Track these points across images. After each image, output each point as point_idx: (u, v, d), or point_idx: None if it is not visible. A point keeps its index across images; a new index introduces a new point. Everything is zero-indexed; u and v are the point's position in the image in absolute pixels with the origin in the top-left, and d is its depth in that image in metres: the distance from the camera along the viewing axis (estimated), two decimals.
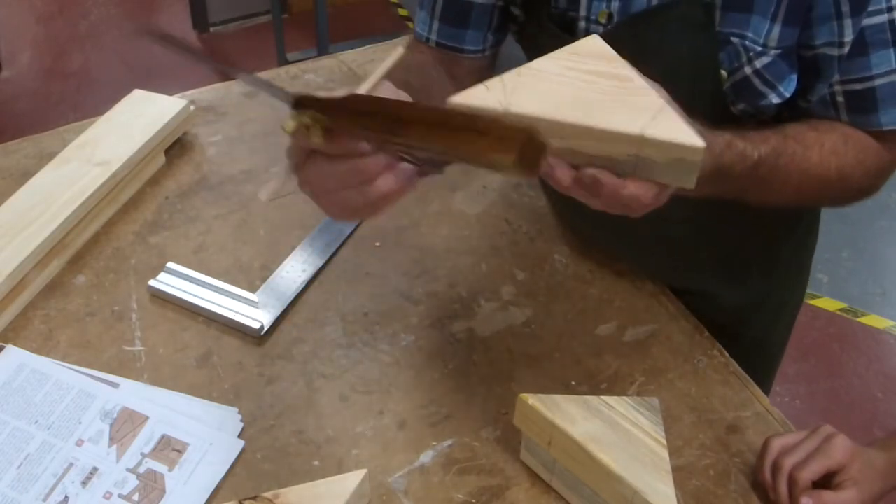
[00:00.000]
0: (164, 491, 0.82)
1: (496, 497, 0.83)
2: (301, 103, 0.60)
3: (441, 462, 0.85)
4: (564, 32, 0.89)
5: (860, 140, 0.85)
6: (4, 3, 3.35)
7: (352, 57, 1.39)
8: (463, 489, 0.83)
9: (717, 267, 1.05)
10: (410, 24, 3.39)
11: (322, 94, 0.61)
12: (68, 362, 0.92)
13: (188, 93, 1.28)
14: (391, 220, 1.11)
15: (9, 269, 0.94)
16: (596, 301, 1.01)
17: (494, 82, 0.69)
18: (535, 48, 0.96)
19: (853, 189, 0.87)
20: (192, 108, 1.19)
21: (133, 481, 0.82)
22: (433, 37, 0.96)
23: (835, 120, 0.85)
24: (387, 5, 3.51)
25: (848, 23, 0.78)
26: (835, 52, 0.80)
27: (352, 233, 1.09)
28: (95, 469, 0.83)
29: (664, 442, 0.78)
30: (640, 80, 0.69)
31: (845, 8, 0.78)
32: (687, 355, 0.96)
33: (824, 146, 0.83)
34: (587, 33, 0.86)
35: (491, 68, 1.01)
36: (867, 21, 0.79)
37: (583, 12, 0.87)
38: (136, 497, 0.81)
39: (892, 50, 0.80)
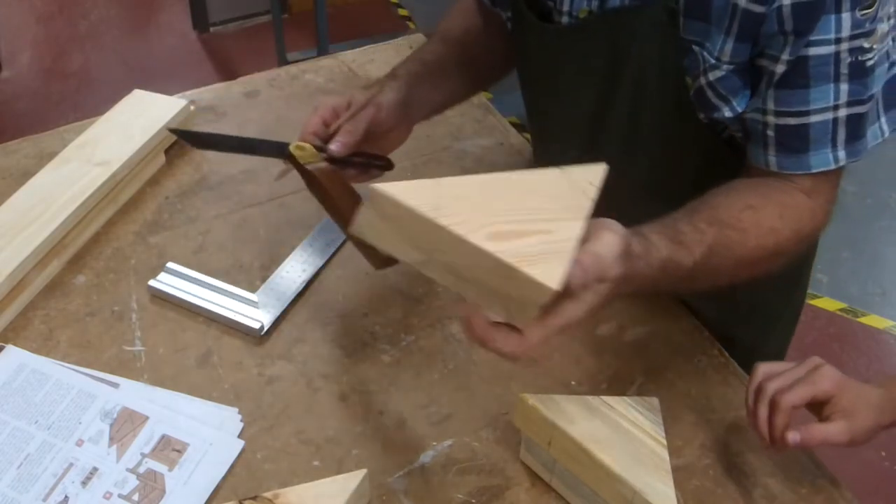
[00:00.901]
0: (164, 491, 0.82)
1: (496, 497, 0.83)
2: (289, 160, 0.89)
3: (441, 462, 0.85)
4: (543, 21, 0.91)
5: (795, 209, 0.83)
6: (4, 3, 3.34)
7: (352, 57, 1.39)
8: (463, 489, 0.83)
9: None
10: (411, 25, 3.39)
11: (305, 154, 0.87)
12: (68, 362, 0.92)
13: (188, 93, 1.28)
14: None
15: (9, 269, 0.94)
16: None
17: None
18: (518, 36, 0.97)
19: (787, 256, 0.85)
20: (192, 108, 1.19)
21: (133, 481, 0.82)
22: None
23: (763, 167, 0.84)
24: (387, 5, 3.51)
25: (791, 39, 0.77)
26: (771, 65, 0.79)
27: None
28: (95, 469, 0.83)
29: (664, 442, 0.78)
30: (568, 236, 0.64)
31: (788, 27, 0.76)
32: (687, 355, 0.96)
33: (761, 226, 0.81)
34: (568, 26, 0.89)
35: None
36: (813, 51, 0.77)
37: (565, 7, 0.88)
38: (136, 497, 0.81)
39: (832, 85, 0.78)
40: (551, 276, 0.62)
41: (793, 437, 0.76)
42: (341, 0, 3.37)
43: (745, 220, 0.80)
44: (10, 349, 0.93)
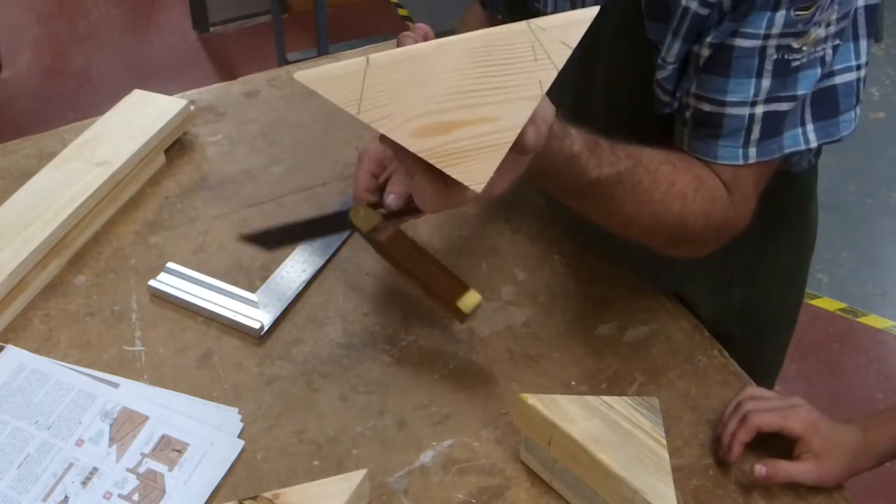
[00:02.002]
0: (164, 491, 0.82)
1: (496, 497, 0.83)
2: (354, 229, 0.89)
3: (441, 462, 0.85)
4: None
5: (711, 190, 0.82)
6: (4, 3, 3.34)
7: (352, 57, 1.39)
8: (463, 489, 0.83)
9: (696, 275, 1.04)
10: (411, 25, 3.39)
11: (364, 218, 0.88)
12: (68, 362, 0.92)
13: (188, 93, 1.28)
14: None
15: (9, 269, 0.95)
16: (596, 301, 1.01)
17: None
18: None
19: (690, 237, 0.84)
20: (192, 108, 1.19)
21: (133, 481, 0.82)
22: None
23: (680, 144, 0.84)
24: (387, 5, 3.51)
25: (721, 26, 0.76)
26: (699, 49, 0.79)
27: (352, 233, 1.09)
28: (95, 469, 0.83)
29: (664, 442, 0.78)
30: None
31: (727, 19, 0.76)
32: (687, 355, 0.96)
33: (674, 186, 0.80)
34: None
35: None
36: (739, 42, 0.76)
37: (549, 10, 0.89)
38: (136, 497, 0.81)
39: (753, 80, 0.78)
40: (476, 176, 0.58)
41: (759, 469, 0.80)
42: (341, 0, 3.37)
43: (662, 172, 0.80)
44: (10, 349, 0.93)
